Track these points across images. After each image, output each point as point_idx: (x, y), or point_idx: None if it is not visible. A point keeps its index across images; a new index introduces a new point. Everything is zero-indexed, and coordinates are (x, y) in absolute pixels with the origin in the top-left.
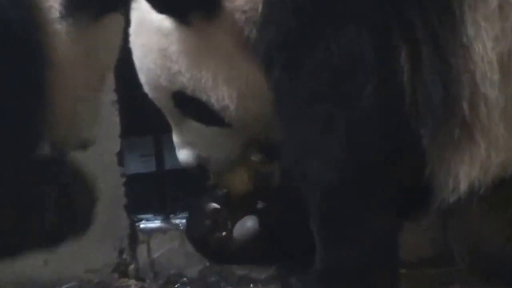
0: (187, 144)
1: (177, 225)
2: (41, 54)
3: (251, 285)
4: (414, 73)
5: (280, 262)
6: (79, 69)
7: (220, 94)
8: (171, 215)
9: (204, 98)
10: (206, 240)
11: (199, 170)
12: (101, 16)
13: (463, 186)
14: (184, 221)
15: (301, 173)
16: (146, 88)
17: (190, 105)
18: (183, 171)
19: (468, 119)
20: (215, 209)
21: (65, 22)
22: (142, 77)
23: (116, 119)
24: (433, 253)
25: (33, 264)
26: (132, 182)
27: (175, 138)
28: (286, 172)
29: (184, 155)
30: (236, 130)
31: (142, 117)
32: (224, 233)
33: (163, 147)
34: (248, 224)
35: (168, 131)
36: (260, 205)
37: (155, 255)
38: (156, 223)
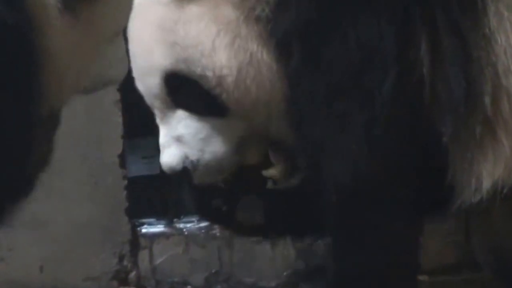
0: (174, 141)
1: (181, 229)
2: (34, 41)
3: None
4: (434, 66)
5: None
6: (78, 55)
7: (218, 63)
8: (175, 220)
9: (198, 71)
10: (206, 207)
11: (183, 175)
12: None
13: (486, 186)
14: (188, 225)
15: (317, 174)
16: (137, 76)
17: (183, 89)
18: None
19: (490, 116)
20: (221, 187)
21: (64, 14)
22: (135, 61)
23: (119, 120)
24: (456, 259)
25: (28, 270)
26: (134, 185)
27: (161, 139)
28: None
29: (168, 156)
30: (230, 121)
31: (145, 118)
32: (224, 208)
33: None
34: (249, 205)
35: None
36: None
37: (158, 261)
38: (158, 228)
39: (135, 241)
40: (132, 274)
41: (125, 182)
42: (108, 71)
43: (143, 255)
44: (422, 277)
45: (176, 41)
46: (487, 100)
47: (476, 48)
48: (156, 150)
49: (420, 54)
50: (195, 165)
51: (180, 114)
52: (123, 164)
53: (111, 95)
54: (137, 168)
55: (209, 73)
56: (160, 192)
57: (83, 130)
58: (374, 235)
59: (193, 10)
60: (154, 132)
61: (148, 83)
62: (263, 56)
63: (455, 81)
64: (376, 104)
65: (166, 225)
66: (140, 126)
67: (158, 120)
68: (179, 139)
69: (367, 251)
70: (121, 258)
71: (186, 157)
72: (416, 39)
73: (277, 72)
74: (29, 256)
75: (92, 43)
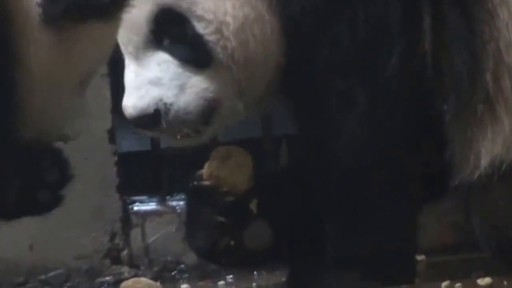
0: (149, 82)
1: (173, 207)
2: (14, 57)
3: (255, 272)
4: (438, 41)
5: (292, 264)
6: (56, 73)
7: (222, 8)
8: (167, 197)
9: (198, 11)
10: (215, 250)
11: (152, 119)
12: (83, 23)
13: (485, 163)
14: (181, 203)
15: (317, 154)
16: (124, 27)
17: (172, 29)
18: (180, 150)
19: (492, 93)
20: (221, 222)
21: (45, 28)
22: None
23: (107, 93)
24: (455, 239)
25: (17, 249)
26: (125, 161)
27: (130, 77)
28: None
29: (140, 97)
30: (210, 74)
31: None
32: (232, 242)
33: None
34: (257, 232)
35: None
36: (253, 204)
37: (150, 240)
38: (151, 206)
39: (127, 219)
40: (124, 253)
41: (115, 158)
42: (65, 122)
43: (135, 234)
44: (420, 257)
45: None
46: (489, 77)
47: (479, 22)
48: None
49: (423, 29)
50: (168, 109)
51: (161, 55)
52: (112, 139)
53: (99, 69)
54: (128, 144)
55: (210, 16)
56: (152, 169)
57: None
58: (372, 216)
59: None
60: None
61: (134, 16)
62: (271, 18)
63: (459, 56)
64: (379, 82)
65: (159, 203)
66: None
67: (130, 58)
68: (155, 82)
69: (366, 231)
70: (112, 236)
71: (160, 99)
72: (421, 12)
73: (281, 37)
74: (18, 235)
75: (73, 72)
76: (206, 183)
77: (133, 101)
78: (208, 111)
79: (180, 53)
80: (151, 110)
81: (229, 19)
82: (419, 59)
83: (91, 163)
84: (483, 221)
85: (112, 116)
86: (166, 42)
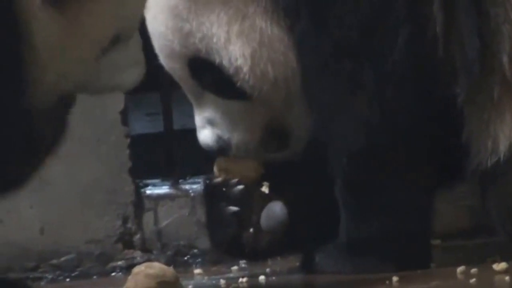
0: (207, 122)
1: (186, 191)
2: (20, 37)
3: None
4: (448, 24)
5: (311, 247)
6: (67, 47)
7: (233, 53)
8: (180, 180)
9: (217, 60)
10: (235, 243)
11: (220, 153)
12: None
13: (503, 148)
14: (194, 186)
15: (327, 136)
16: (161, 57)
17: (205, 74)
18: (193, 131)
19: (508, 76)
20: (234, 212)
21: (45, 5)
22: (156, 44)
23: None
24: (471, 223)
25: (28, 232)
26: (138, 144)
27: (196, 117)
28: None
29: (204, 135)
30: (254, 104)
31: (148, 72)
32: (251, 230)
33: (172, 105)
34: (273, 213)
35: (177, 87)
36: (265, 186)
37: (163, 224)
38: (163, 189)
39: (139, 203)
40: (137, 237)
41: (128, 140)
42: (114, 77)
43: (148, 217)
44: (435, 242)
45: (192, 31)
46: (505, 59)
47: (493, 4)
48: (161, 107)
49: (433, 11)
50: (228, 144)
51: (208, 96)
52: (125, 121)
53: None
54: (141, 126)
55: (226, 63)
56: (165, 151)
57: None
58: (386, 199)
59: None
60: (158, 87)
61: (172, 66)
62: (273, 30)
63: (469, 39)
64: (388, 64)
65: (172, 186)
66: (143, 81)
67: (189, 98)
68: (211, 121)
69: (379, 215)
70: (125, 220)
71: (219, 138)
72: None
73: (289, 42)
74: (29, 218)
75: (83, 45)
76: (218, 179)
77: (201, 138)
78: (267, 135)
79: (220, 92)
80: (215, 147)
81: (240, 61)
82: (429, 42)
83: (103, 146)
84: (499, 205)
85: (125, 97)
86: (207, 84)
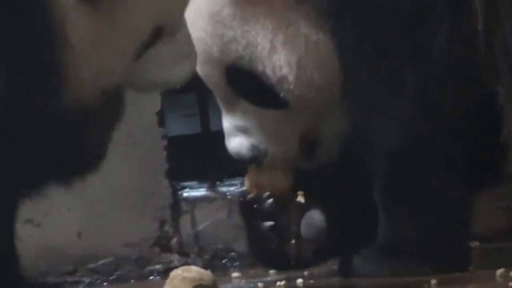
0: (239, 131)
1: (224, 193)
2: (55, 36)
3: None
4: (490, 20)
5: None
6: (104, 44)
7: (278, 62)
8: (218, 183)
9: (260, 69)
10: (279, 257)
11: (253, 162)
12: None
13: None
14: (232, 189)
15: (366, 137)
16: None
17: (244, 82)
18: None
19: None
20: (270, 226)
21: (80, 3)
22: None
23: None
24: (510, 224)
25: (65, 236)
26: (174, 145)
27: (225, 124)
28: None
29: (236, 144)
30: (293, 113)
31: None
32: (293, 241)
33: (209, 106)
34: (313, 222)
35: None
36: (300, 195)
37: (200, 227)
38: (201, 192)
39: (176, 206)
40: (174, 240)
41: (165, 142)
42: (161, 73)
43: (185, 221)
44: (474, 244)
45: (236, 39)
46: None
47: None
48: (198, 108)
49: (474, 7)
50: (264, 153)
51: (243, 104)
52: (162, 122)
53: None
54: (177, 127)
55: (269, 72)
56: (202, 153)
57: None
58: (425, 201)
59: (247, 8)
60: (195, 88)
61: (207, 72)
62: (318, 35)
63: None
64: (428, 62)
65: (209, 189)
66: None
67: (220, 106)
68: (245, 130)
69: (418, 218)
70: (162, 224)
71: (254, 147)
72: None
73: (332, 46)
74: (66, 221)
75: (120, 39)
76: (250, 196)
77: (231, 146)
78: (307, 144)
79: (258, 100)
80: (249, 156)
81: (286, 70)
82: (471, 39)
83: (140, 148)
84: None
85: (161, 98)
86: (243, 92)
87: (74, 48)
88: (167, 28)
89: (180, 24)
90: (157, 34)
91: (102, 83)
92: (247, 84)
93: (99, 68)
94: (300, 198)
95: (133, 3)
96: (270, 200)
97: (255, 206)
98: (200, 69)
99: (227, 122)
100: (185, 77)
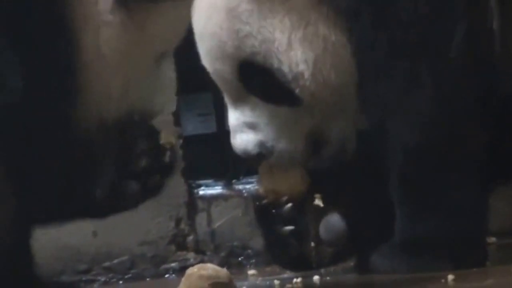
0: (247, 127)
1: (240, 191)
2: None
3: None
4: (506, 18)
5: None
6: (132, 53)
7: (294, 58)
8: (234, 181)
9: (275, 65)
10: (300, 260)
11: (257, 160)
12: (154, 3)
13: None
14: (248, 186)
15: (383, 135)
16: (206, 60)
17: (256, 78)
18: None
19: None
20: (290, 231)
21: (117, 11)
22: (203, 47)
23: (172, 75)
24: None
25: (81, 235)
26: (190, 144)
27: (232, 120)
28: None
29: (242, 140)
30: (304, 111)
31: (201, 72)
32: (312, 244)
33: (224, 105)
34: (332, 226)
35: None
36: (318, 199)
37: (216, 225)
38: (216, 189)
39: (192, 204)
40: (190, 238)
41: (181, 141)
42: (145, 100)
43: (201, 218)
44: (491, 240)
45: (252, 34)
46: None
47: None
48: (213, 107)
49: (490, 6)
50: (271, 151)
51: (253, 100)
52: (177, 122)
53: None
54: (193, 126)
55: (285, 68)
56: (218, 151)
57: None
58: (442, 197)
59: (266, 4)
60: (210, 87)
61: (218, 68)
62: (336, 36)
63: None
64: (445, 61)
65: (225, 187)
66: (196, 82)
67: (227, 102)
68: (253, 126)
69: (435, 214)
70: (178, 222)
71: (262, 144)
72: None
73: (350, 46)
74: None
75: (144, 54)
76: (265, 201)
77: (238, 143)
78: (313, 144)
79: (269, 97)
80: (255, 152)
81: (302, 66)
82: (487, 37)
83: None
84: None
85: (177, 98)
86: (255, 89)
87: (105, 57)
88: (167, 54)
89: (171, 51)
90: (160, 58)
91: (130, 99)
92: (260, 80)
93: (125, 79)
94: (318, 202)
95: (160, 21)
96: (289, 205)
97: (273, 211)
98: (209, 66)
99: (234, 119)
100: (159, 112)
